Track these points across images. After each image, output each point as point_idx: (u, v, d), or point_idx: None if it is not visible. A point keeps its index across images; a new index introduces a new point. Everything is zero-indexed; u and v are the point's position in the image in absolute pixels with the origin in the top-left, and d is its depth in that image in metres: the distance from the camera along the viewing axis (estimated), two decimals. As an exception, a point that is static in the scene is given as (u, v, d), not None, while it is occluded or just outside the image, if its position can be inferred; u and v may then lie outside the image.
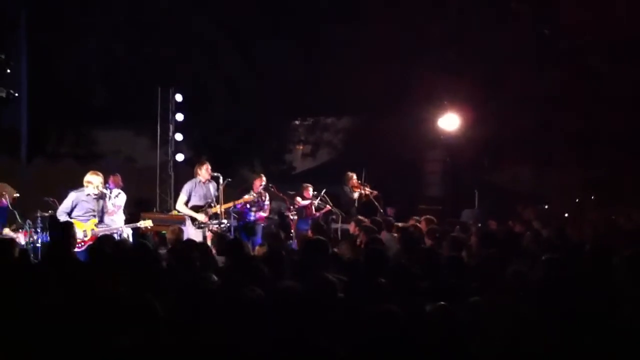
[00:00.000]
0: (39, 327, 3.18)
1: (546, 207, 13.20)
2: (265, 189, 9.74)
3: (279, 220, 11.56)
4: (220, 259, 5.57)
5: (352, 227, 7.40)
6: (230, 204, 8.89)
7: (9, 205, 8.20)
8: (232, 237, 8.24)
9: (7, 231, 7.76)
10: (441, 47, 15.92)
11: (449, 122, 14.50)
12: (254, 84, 16.69)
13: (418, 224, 7.65)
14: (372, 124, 17.98)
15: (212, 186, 8.31)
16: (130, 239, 7.96)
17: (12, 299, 3.44)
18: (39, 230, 8.19)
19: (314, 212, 10.67)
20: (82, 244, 6.91)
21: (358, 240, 6.58)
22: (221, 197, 8.26)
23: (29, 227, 8.08)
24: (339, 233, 10.19)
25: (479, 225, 9.02)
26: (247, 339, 3.22)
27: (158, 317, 3.40)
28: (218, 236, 6.27)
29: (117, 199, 8.93)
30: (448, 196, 15.46)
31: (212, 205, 8.21)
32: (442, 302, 3.42)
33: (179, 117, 13.14)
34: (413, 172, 16.49)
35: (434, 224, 7.30)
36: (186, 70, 15.14)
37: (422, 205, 13.61)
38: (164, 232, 9.15)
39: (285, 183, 12.99)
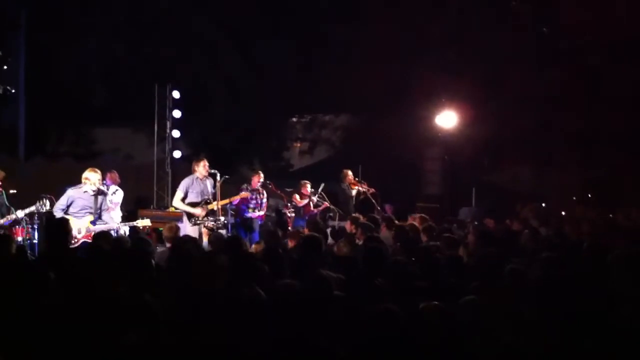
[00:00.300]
0: (37, 325, 3.16)
1: (544, 205, 13.17)
2: (263, 186, 9.74)
3: (276, 218, 11.55)
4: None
5: (348, 225, 7.38)
6: (227, 201, 8.88)
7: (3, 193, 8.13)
8: (229, 234, 8.25)
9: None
10: (441, 47, 15.93)
11: (447, 119, 14.50)
12: (253, 83, 16.71)
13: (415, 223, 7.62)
14: (370, 122, 18.01)
15: (209, 183, 8.31)
16: (127, 235, 7.94)
17: (9, 296, 3.42)
18: (36, 227, 8.16)
19: (312, 208, 10.66)
20: (76, 240, 6.90)
21: (355, 238, 6.55)
22: (218, 193, 8.26)
23: (26, 224, 8.06)
24: (336, 230, 10.18)
25: (475, 223, 8.99)
26: (247, 339, 3.21)
27: (157, 317, 3.39)
28: (215, 236, 6.23)
29: (115, 196, 8.92)
30: (446, 194, 15.46)
31: (209, 201, 8.20)
32: (434, 302, 3.41)
33: (177, 114, 13.13)
34: (411, 170, 16.50)
35: (428, 222, 7.27)
36: (186, 70, 15.16)
37: (420, 203, 13.60)
38: (160, 229, 9.13)
39: (283, 180, 12.98)
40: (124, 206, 9.27)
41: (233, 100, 16.86)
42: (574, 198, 16.33)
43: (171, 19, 15.82)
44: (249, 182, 9.64)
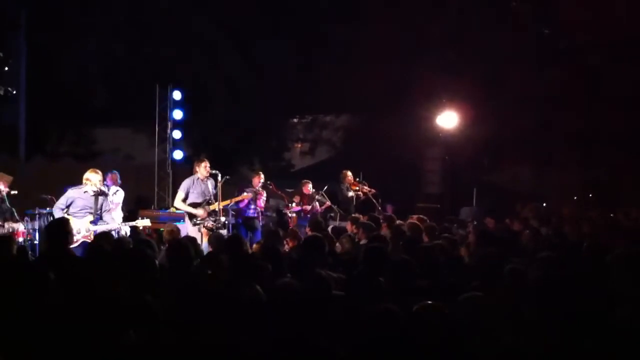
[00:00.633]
0: (37, 325, 3.16)
1: (544, 205, 13.19)
2: (264, 186, 9.74)
3: (277, 218, 11.56)
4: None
5: (349, 226, 7.37)
6: (228, 202, 8.89)
7: (5, 197, 8.13)
8: (229, 234, 8.25)
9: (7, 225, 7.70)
10: (441, 47, 15.93)
11: (448, 119, 14.51)
12: (253, 83, 16.71)
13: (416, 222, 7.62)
14: (371, 122, 18.00)
15: (210, 183, 8.31)
16: (128, 235, 7.94)
17: (9, 296, 3.42)
18: (37, 227, 8.17)
19: (317, 207, 10.69)
20: (76, 240, 6.89)
21: (356, 238, 6.56)
22: (219, 194, 8.26)
23: (27, 224, 8.07)
24: (337, 230, 10.19)
25: (475, 223, 8.99)
26: (247, 338, 3.21)
27: (157, 317, 3.40)
28: (214, 236, 6.23)
29: (115, 197, 8.92)
30: (447, 194, 15.47)
31: (211, 202, 8.20)
32: (434, 302, 3.41)
33: (177, 114, 13.13)
34: (412, 170, 16.51)
35: (428, 223, 7.28)
36: (186, 70, 15.16)
37: (421, 203, 13.61)
38: (161, 229, 9.13)
39: (283, 180, 12.98)
40: (125, 206, 9.27)
41: (233, 101, 16.86)
42: (575, 198, 16.34)
43: (171, 19, 15.81)
44: (249, 183, 9.66)
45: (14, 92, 11.69)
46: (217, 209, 8.19)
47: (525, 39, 15.65)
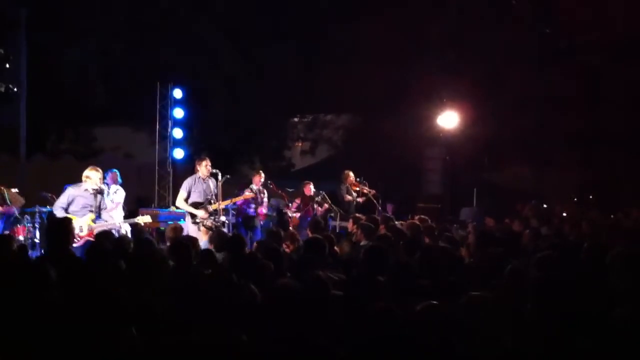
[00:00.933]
0: (37, 325, 3.16)
1: (545, 205, 13.20)
2: (264, 185, 9.75)
3: (277, 218, 11.57)
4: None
5: (350, 225, 7.40)
6: (229, 201, 8.90)
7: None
8: (230, 234, 8.25)
9: None
10: (441, 47, 15.93)
11: (448, 119, 14.51)
12: (253, 83, 16.71)
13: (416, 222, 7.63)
14: (371, 122, 18.00)
15: (211, 183, 8.31)
16: (129, 235, 7.95)
17: (10, 296, 3.42)
18: (37, 226, 8.19)
19: (317, 208, 10.71)
20: (79, 239, 6.91)
21: (354, 238, 6.57)
22: (220, 193, 8.26)
23: (27, 223, 8.09)
24: (337, 230, 10.21)
25: (474, 223, 8.99)
26: (247, 338, 3.21)
27: (157, 317, 3.40)
28: (217, 233, 6.24)
29: (116, 195, 8.92)
30: (447, 194, 15.47)
31: (212, 201, 8.20)
32: (434, 302, 3.41)
33: (178, 113, 13.14)
34: (412, 170, 16.51)
35: (427, 223, 7.28)
36: (186, 70, 15.16)
37: (421, 203, 13.61)
38: (162, 228, 9.15)
39: (284, 180, 13.00)
40: (126, 205, 9.28)
41: (234, 100, 16.86)
42: (575, 199, 16.36)
43: (171, 18, 15.82)
44: (249, 182, 9.68)
45: (15, 89, 11.68)
46: (218, 209, 8.20)
47: (525, 39, 15.66)
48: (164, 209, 10.94)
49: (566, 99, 15.60)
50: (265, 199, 9.79)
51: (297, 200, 10.94)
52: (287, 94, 17.00)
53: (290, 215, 10.76)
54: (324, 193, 10.82)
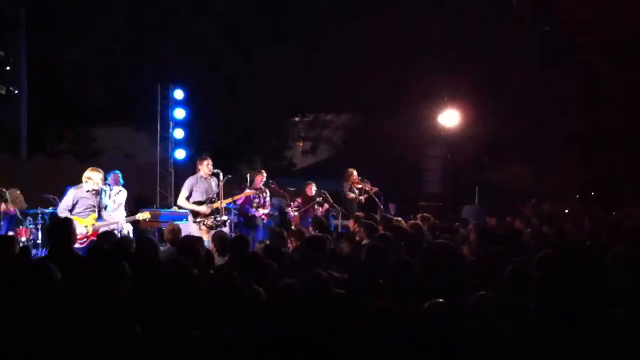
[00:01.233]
0: (40, 325, 3.17)
1: (546, 204, 13.21)
2: (266, 185, 9.77)
3: (280, 217, 11.57)
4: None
5: (351, 224, 7.43)
6: (230, 200, 8.91)
7: (18, 214, 8.23)
8: (232, 233, 8.27)
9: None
10: (441, 47, 15.94)
11: (449, 118, 14.52)
12: (254, 83, 16.71)
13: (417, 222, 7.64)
14: (372, 121, 18.01)
15: (213, 182, 8.34)
16: (131, 235, 7.98)
17: (12, 296, 3.43)
18: (40, 227, 8.19)
19: (317, 208, 10.72)
20: (85, 239, 6.95)
21: (357, 237, 6.59)
22: (221, 193, 8.29)
23: (29, 224, 8.09)
24: (339, 229, 10.24)
25: (475, 222, 9.00)
26: (247, 338, 3.22)
27: (158, 317, 3.41)
28: (219, 238, 6.24)
29: (118, 197, 8.93)
30: (448, 193, 15.47)
31: (214, 200, 8.22)
32: (439, 300, 3.42)
33: (179, 114, 13.15)
34: (413, 169, 16.51)
35: (431, 221, 7.31)
36: (186, 70, 15.17)
37: (422, 202, 13.62)
38: (164, 228, 9.14)
39: (285, 179, 13.01)
40: (127, 206, 9.29)
41: (234, 100, 16.87)
42: (577, 196, 16.38)
43: (171, 19, 15.83)
44: (251, 181, 9.69)
45: (16, 91, 11.69)
46: (219, 208, 8.22)
47: (525, 39, 15.67)
48: (165, 209, 10.95)
49: (566, 99, 15.61)
50: (267, 199, 9.80)
51: (298, 200, 10.95)
52: (287, 94, 17.02)
53: (291, 214, 10.77)
54: (325, 193, 10.84)
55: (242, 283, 3.91)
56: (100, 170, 7.46)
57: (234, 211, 9.90)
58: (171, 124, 13.15)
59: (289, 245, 6.27)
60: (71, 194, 7.23)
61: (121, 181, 9.19)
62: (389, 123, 16.18)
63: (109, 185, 8.57)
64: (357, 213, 8.15)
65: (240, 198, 9.19)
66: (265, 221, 9.74)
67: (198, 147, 15.05)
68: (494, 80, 15.55)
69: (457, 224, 8.68)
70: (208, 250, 5.73)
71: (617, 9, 14.19)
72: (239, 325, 3.34)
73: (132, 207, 10.06)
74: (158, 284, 4.15)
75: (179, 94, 13.14)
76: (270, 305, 3.45)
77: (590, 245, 5.27)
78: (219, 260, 5.63)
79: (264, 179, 9.69)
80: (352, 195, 10.74)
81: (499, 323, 3.28)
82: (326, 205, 10.74)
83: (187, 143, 13.53)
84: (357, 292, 4.14)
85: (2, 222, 8.30)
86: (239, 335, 3.25)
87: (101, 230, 6.98)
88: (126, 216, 8.47)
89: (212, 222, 8.07)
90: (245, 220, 9.47)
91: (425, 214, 7.74)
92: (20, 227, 8.33)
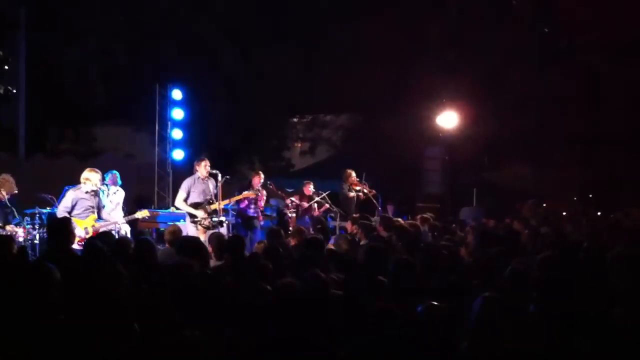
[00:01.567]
0: (39, 326, 3.16)
1: (544, 205, 13.22)
2: (264, 186, 9.76)
3: (278, 218, 11.56)
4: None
5: (349, 225, 7.42)
6: (228, 201, 8.91)
7: (7, 202, 8.08)
8: (229, 234, 8.26)
9: (9, 227, 7.69)
10: (441, 47, 15.94)
11: (448, 119, 14.51)
12: (253, 83, 16.71)
13: (416, 222, 7.64)
14: (371, 122, 18.02)
15: (211, 183, 8.33)
16: (129, 235, 7.96)
17: (11, 297, 3.42)
18: (37, 227, 8.15)
19: (315, 208, 10.69)
20: (83, 239, 6.94)
21: (357, 238, 6.58)
22: (219, 194, 8.28)
23: (27, 224, 8.04)
24: (337, 230, 10.22)
25: (472, 224, 9.00)
26: (247, 338, 3.21)
27: (157, 316, 3.40)
28: (216, 240, 6.24)
29: (115, 196, 8.92)
30: (447, 194, 15.47)
31: (212, 201, 8.22)
32: (433, 302, 3.41)
33: (177, 114, 13.14)
34: (412, 169, 16.51)
35: (432, 222, 7.30)
36: (186, 70, 15.17)
37: (421, 203, 13.61)
38: (162, 229, 9.14)
39: (283, 180, 12.99)
40: (125, 206, 9.28)
41: (233, 100, 16.87)
42: (575, 198, 16.39)
43: (171, 19, 15.82)
44: (249, 182, 9.68)
45: (14, 90, 11.69)
46: (217, 209, 8.21)
47: (525, 39, 15.68)
48: (163, 210, 10.94)
49: (566, 99, 15.63)
50: (264, 199, 9.81)
51: (296, 198, 10.88)
52: (286, 94, 17.01)
53: (289, 215, 10.76)
54: (324, 194, 10.82)
55: (240, 283, 3.90)
56: (98, 170, 7.46)
57: (232, 212, 9.88)
58: (169, 124, 13.14)
59: (291, 243, 6.27)
60: (70, 196, 7.23)
61: (119, 181, 9.17)
62: (389, 123, 16.18)
63: (107, 185, 8.56)
64: (354, 215, 8.15)
65: (242, 201, 9.20)
66: (262, 222, 9.74)
67: (196, 148, 15.05)
68: (494, 80, 15.56)
69: (454, 225, 8.68)
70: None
71: (617, 9, 14.19)
72: (239, 325, 3.33)
73: (130, 207, 10.04)
74: (157, 284, 4.14)
75: (177, 94, 13.11)
76: (270, 305, 3.44)
77: (589, 245, 5.27)
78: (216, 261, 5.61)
79: (262, 180, 9.68)
80: (351, 194, 10.73)
81: (500, 323, 3.27)
82: (326, 205, 10.73)
83: (186, 143, 13.51)
84: (356, 292, 4.13)
85: None
86: (239, 335, 3.24)
87: (101, 230, 6.97)
88: (124, 216, 8.46)
89: (209, 222, 8.07)
90: (243, 221, 9.46)
91: (424, 215, 7.73)
92: (19, 225, 8.26)
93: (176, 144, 13.26)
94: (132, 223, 8.68)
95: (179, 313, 3.54)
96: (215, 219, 8.09)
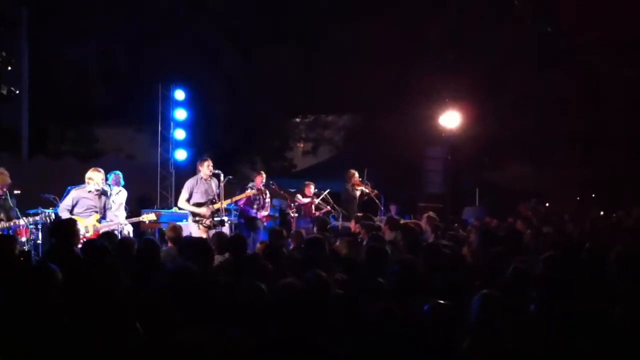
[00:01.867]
0: (40, 326, 3.18)
1: (547, 205, 13.25)
2: (266, 186, 9.77)
3: (280, 218, 11.57)
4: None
5: (352, 225, 7.45)
6: (230, 200, 8.92)
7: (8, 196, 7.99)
8: (231, 234, 8.28)
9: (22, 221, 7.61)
10: (441, 47, 15.95)
11: (450, 119, 14.52)
12: (254, 84, 16.72)
13: (419, 222, 7.65)
14: (373, 122, 18.03)
15: (214, 183, 8.35)
16: (131, 235, 7.98)
17: (13, 296, 3.44)
18: (40, 227, 8.16)
19: (313, 211, 10.69)
20: (84, 240, 6.94)
21: (359, 238, 6.60)
22: (222, 194, 8.30)
23: (30, 224, 8.04)
24: (339, 230, 10.22)
25: (475, 223, 9.01)
26: (247, 338, 3.23)
27: (158, 316, 3.42)
28: (216, 236, 6.26)
29: (118, 196, 8.93)
30: (449, 194, 15.47)
31: (215, 201, 8.23)
32: (440, 301, 3.42)
33: (180, 114, 13.16)
34: (414, 169, 16.51)
35: (436, 222, 7.31)
36: (187, 70, 15.18)
37: (423, 203, 13.62)
38: (164, 229, 9.14)
39: (286, 180, 13.00)
40: (128, 206, 9.30)
41: (235, 100, 16.88)
42: (578, 198, 16.41)
43: (172, 19, 15.83)
44: (251, 182, 9.69)
45: (17, 91, 11.68)
46: (220, 209, 8.23)
47: (525, 39, 15.69)
48: (166, 210, 10.96)
49: (566, 99, 15.64)
50: (268, 200, 9.80)
51: (299, 197, 10.87)
52: (288, 95, 17.02)
53: (292, 215, 10.77)
54: (326, 194, 10.82)
55: (241, 282, 3.91)
56: (100, 170, 7.48)
57: (234, 212, 9.90)
58: (172, 124, 13.15)
59: (292, 245, 6.28)
60: (71, 195, 7.25)
61: (122, 182, 9.19)
62: (390, 123, 16.19)
63: (110, 185, 8.57)
64: (357, 214, 8.17)
65: (241, 199, 9.20)
66: (265, 223, 9.75)
67: (199, 148, 15.08)
68: (494, 80, 15.58)
69: (456, 225, 8.70)
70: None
71: (617, 9, 14.20)
72: (239, 325, 3.34)
73: (133, 207, 10.07)
74: (159, 283, 4.16)
75: (179, 95, 13.13)
76: (270, 305, 3.45)
77: (590, 245, 5.28)
78: (218, 258, 5.63)
79: (264, 180, 9.69)
80: (354, 194, 10.74)
81: (498, 321, 3.28)
82: (327, 207, 10.73)
83: (188, 144, 13.52)
84: (357, 292, 4.15)
85: None
86: (239, 335, 3.25)
87: (102, 230, 6.99)
88: (127, 217, 8.48)
89: (211, 222, 8.09)
90: (246, 221, 9.48)
91: (430, 214, 7.73)
92: (20, 227, 8.25)
93: (178, 144, 13.28)
94: (135, 223, 8.70)
95: (179, 313, 3.56)
96: (217, 219, 8.11)
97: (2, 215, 7.39)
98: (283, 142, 20.06)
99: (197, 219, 8.18)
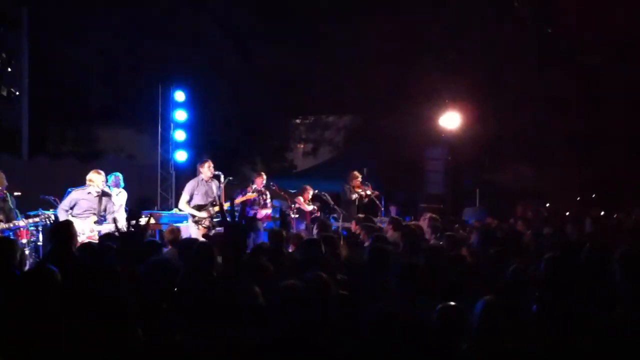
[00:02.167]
0: (40, 327, 3.19)
1: (547, 205, 13.25)
2: (266, 187, 9.77)
3: (280, 219, 11.57)
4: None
5: (353, 226, 7.46)
6: (230, 204, 8.90)
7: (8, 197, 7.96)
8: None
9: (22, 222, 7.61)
10: (441, 47, 15.95)
11: (450, 120, 14.53)
12: (255, 84, 16.72)
13: (419, 223, 7.65)
14: (373, 122, 18.03)
15: (214, 184, 8.35)
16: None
17: (12, 299, 3.44)
18: (40, 229, 8.15)
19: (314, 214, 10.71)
20: (80, 242, 6.93)
21: (360, 238, 6.61)
22: (222, 195, 8.30)
23: (30, 226, 8.03)
24: (339, 231, 10.22)
25: (475, 223, 9.01)
26: (247, 338, 3.23)
27: (158, 316, 3.42)
28: (217, 238, 6.27)
29: (118, 198, 8.94)
30: (449, 195, 15.48)
31: (215, 203, 8.23)
32: (451, 303, 3.42)
33: (180, 115, 13.16)
34: (414, 170, 16.52)
35: (437, 223, 7.31)
36: (187, 70, 15.19)
37: (423, 204, 13.63)
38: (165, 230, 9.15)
39: (286, 181, 13.00)
40: (128, 207, 9.30)
41: (235, 101, 16.88)
42: (578, 198, 16.41)
43: (172, 19, 15.83)
44: (252, 183, 9.70)
45: (17, 92, 11.69)
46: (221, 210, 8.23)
47: (526, 38, 15.68)
48: (167, 211, 10.96)
49: (566, 99, 15.64)
50: (268, 201, 9.81)
51: (299, 200, 10.89)
52: (288, 95, 17.03)
53: (292, 216, 10.78)
54: (326, 195, 10.82)
55: (241, 283, 3.91)
56: (101, 172, 7.47)
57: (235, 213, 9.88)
58: (172, 125, 13.16)
59: (291, 248, 6.28)
60: (70, 196, 7.26)
61: (122, 184, 9.19)
62: (390, 124, 16.19)
63: (110, 187, 8.58)
64: (358, 215, 8.18)
65: (242, 200, 9.21)
66: (266, 224, 9.75)
67: (199, 149, 15.09)
68: (494, 81, 15.56)
69: (456, 225, 8.69)
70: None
71: (617, 9, 14.19)
72: (239, 325, 3.34)
73: (133, 209, 10.07)
74: (159, 284, 4.15)
75: (180, 96, 13.13)
76: (270, 306, 3.46)
77: (591, 246, 5.27)
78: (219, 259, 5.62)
79: (264, 181, 9.69)
80: (354, 196, 10.74)
81: (501, 326, 3.29)
82: (317, 214, 10.74)
83: (188, 145, 13.53)
84: (358, 293, 4.15)
85: None
86: (239, 335, 3.25)
87: (96, 232, 6.99)
88: (126, 217, 8.46)
89: (209, 222, 8.09)
90: (246, 222, 9.46)
91: (433, 215, 7.73)
92: (21, 228, 8.24)
93: (178, 145, 13.28)
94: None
95: (179, 314, 3.57)
96: (216, 219, 8.11)
97: (1, 216, 7.40)
98: (283, 142, 20.07)
99: (197, 219, 8.19)
